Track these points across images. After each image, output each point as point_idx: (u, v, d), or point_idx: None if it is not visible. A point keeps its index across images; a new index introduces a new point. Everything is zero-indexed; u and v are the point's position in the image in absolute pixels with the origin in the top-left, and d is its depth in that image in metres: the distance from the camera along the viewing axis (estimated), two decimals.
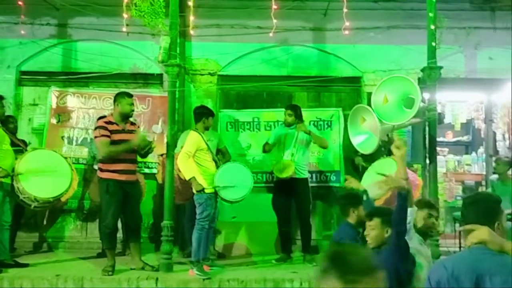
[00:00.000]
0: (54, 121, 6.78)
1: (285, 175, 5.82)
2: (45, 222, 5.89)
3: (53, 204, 5.30)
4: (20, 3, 5.72)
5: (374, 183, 4.86)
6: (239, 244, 6.66)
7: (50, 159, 5.22)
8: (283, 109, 6.22)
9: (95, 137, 5.17)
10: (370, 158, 5.67)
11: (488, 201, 2.17)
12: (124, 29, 5.71)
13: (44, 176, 5.01)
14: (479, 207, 2.11)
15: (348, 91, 7.06)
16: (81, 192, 6.56)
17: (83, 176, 6.61)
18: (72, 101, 6.83)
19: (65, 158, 5.41)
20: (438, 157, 6.07)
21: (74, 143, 6.74)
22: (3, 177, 5.03)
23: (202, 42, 6.91)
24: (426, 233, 3.23)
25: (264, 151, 6.23)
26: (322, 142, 6.11)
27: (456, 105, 8.16)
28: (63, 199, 5.25)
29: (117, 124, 5.13)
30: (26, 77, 7.02)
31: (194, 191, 5.22)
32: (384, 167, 4.79)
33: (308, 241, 6.02)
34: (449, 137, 8.80)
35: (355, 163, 6.38)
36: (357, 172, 6.11)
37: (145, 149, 5.23)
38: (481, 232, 2.00)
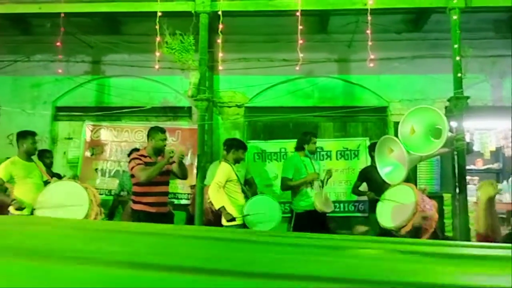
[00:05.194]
0: (88, 154, 7.02)
1: (330, 208, 5.71)
2: None
3: None
4: (58, 44, 6.01)
5: (397, 211, 4.86)
6: None
7: (69, 191, 4.97)
8: None
9: (132, 168, 5.25)
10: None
11: None
12: (156, 66, 5.92)
13: (60, 209, 4.91)
14: None
15: (374, 121, 7.11)
16: None
17: (110, 206, 6.76)
18: (105, 134, 7.08)
19: (86, 188, 4.99)
20: (468, 185, 5.99)
21: (107, 175, 6.96)
22: (18, 209, 5.05)
23: (230, 75, 7.11)
24: None
25: (287, 188, 5.86)
26: None
27: (484, 133, 8.09)
28: None
29: (150, 157, 5.27)
30: (61, 113, 7.32)
31: (223, 222, 5.28)
32: (400, 195, 4.76)
33: None
34: (479, 164, 8.69)
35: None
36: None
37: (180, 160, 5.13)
38: None
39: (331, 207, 5.76)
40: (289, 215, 6.51)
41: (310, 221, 5.70)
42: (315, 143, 5.97)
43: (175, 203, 6.78)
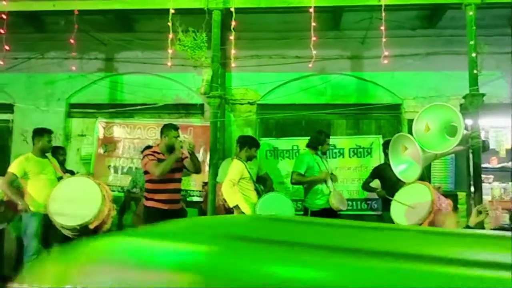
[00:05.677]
0: (101, 151, 7.06)
1: (345, 206, 5.77)
2: None
3: (83, 231, 5.16)
4: (71, 41, 6.05)
5: (412, 209, 4.80)
6: None
7: (82, 186, 5.03)
8: None
9: (145, 164, 5.25)
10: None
11: None
12: (168, 63, 5.93)
13: (73, 204, 4.85)
14: None
15: (388, 118, 7.05)
16: (117, 219, 6.68)
17: (121, 203, 6.78)
18: (118, 131, 7.12)
19: (99, 184, 5.06)
20: (483, 184, 5.91)
21: (120, 172, 6.99)
22: (22, 210, 5.10)
23: (242, 72, 7.10)
24: None
25: (299, 182, 5.86)
26: None
27: (500, 131, 7.96)
28: (91, 226, 4.84)
29: (163, 154, 5.28)
30: (75, 110, 7.38)
31: None
32: (416, 193, 4.71)
33: None
34: (494, 163, 8.55)
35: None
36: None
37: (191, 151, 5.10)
38: None
39: (345, 205, 5.76)
40: (302, 213, 6.52)
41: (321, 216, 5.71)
42: (328, 144, 5.96)
43: (187, 200, 6.79)
